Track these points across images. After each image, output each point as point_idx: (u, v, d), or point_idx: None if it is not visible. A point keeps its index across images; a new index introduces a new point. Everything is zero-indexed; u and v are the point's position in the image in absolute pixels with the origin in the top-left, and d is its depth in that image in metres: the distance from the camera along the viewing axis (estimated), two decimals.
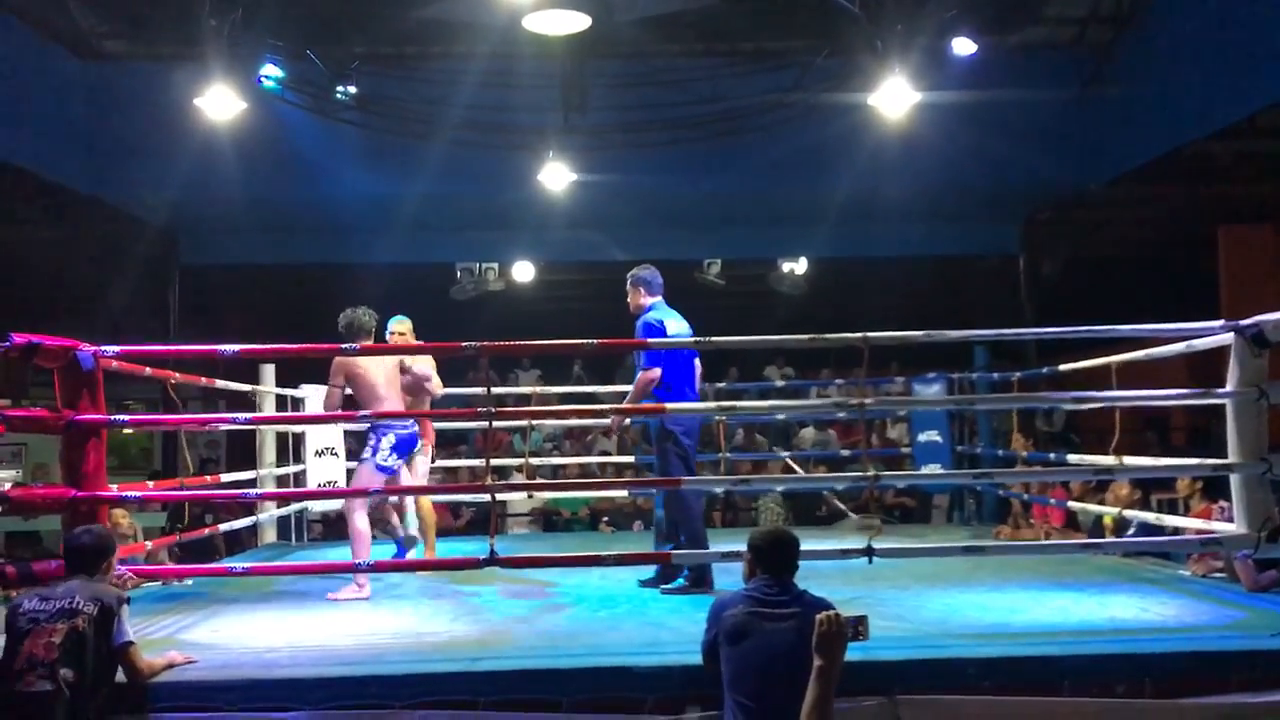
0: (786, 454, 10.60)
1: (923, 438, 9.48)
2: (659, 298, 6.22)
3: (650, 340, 5.93)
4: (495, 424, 6.26)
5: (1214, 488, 6.05)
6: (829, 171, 10.84)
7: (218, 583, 6.22)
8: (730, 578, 4.70)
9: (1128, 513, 6.62)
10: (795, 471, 10.18)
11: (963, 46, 9.85)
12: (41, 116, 10.23)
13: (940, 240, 13.14)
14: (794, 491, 10.24)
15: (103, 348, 5.02)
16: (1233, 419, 5.10)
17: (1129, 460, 6.18)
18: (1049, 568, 6.31)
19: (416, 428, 6.49)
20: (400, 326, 6.91)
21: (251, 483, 7.95)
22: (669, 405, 5.80)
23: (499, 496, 5.95)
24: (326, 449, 8.17)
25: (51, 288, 13.97)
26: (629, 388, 6.14)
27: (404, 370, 6.54)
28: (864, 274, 14.45)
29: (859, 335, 5.15)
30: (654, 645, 4.49)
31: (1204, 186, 11.88)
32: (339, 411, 6.36)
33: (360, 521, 6.14)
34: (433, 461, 7.41)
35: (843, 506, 10.01)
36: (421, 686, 3.98)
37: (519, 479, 8.87)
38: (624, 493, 9.87)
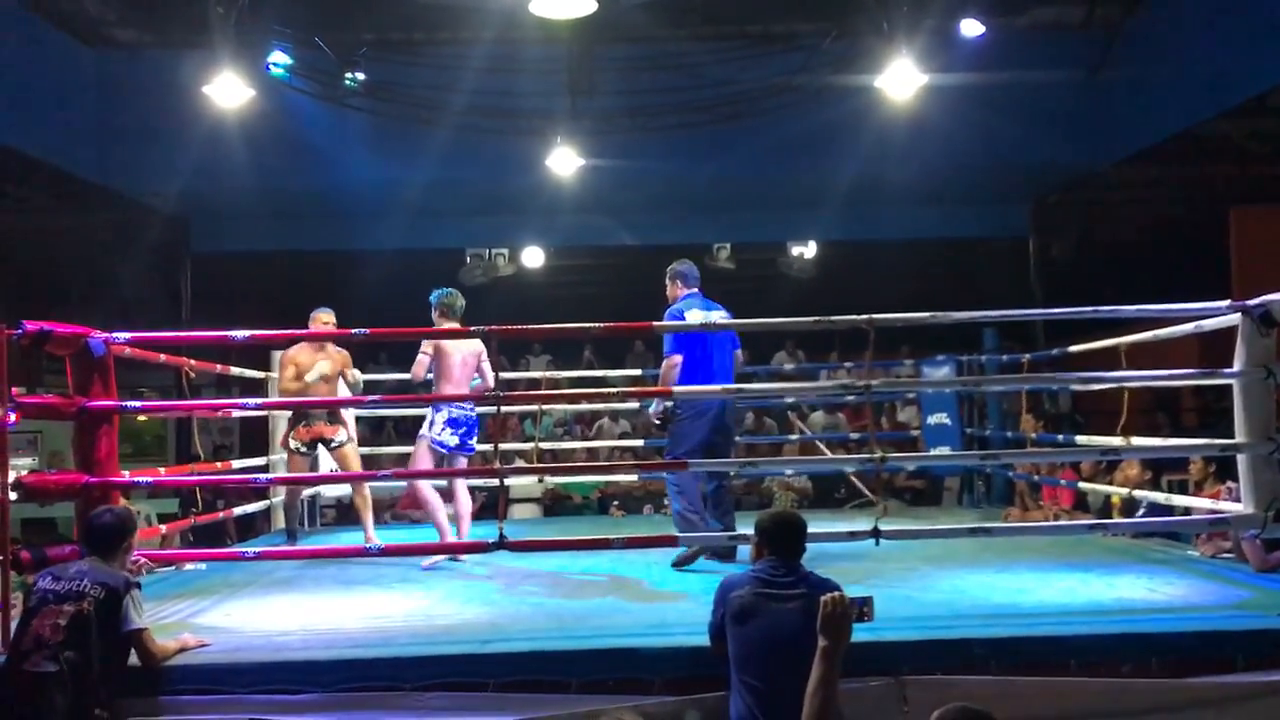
0: (817, 436, 10.57)
1: (932, 420, 9.48)
2: (695, 289, 6.51)
3: (657, 325, 6.06)
4: (505, 408, 6.31)
5: (1228, 471, 6.05)
6: (837, 154, 10.81)
7: (230, 567, 6.28)
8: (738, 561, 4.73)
9: (1137, 493, 6.62)
10: (823, 453, 10.18)
11: (971, 28, 9.80)
12: (52, 104, 10.28)
13: (949, 223, 13.10)
14: (806, 473, 10.25)
15: (114, 334, 5.05)
16: (1240, 399, 5.09)
17: (1136, 441, 6.18)
18: (1057, 549, 6.32)
19: (473, 409, 6.67)
20: (327, 316, 7.10)
21: (264, 468, 8.01)
22: (675, 389, 5.89)
23: (508, 481, 6.00)
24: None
25: (63, 276, 14.02)
26: (638, 371, 6.24)
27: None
28: (873, 257, 14.40)
29: (864, 318, 5.15)
30: (661, 627, 4.53)
31: (1214, 167, 11.82)
32: (346, 397, 6.44)
33: (429, 494, 6.52)
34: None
35: (867, 491, 9.98)
36: (431, 668, 4.02)
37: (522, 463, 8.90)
38: (633, 477, 9.89)
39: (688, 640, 4.11)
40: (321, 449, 7.21)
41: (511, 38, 10.31)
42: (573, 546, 5.97)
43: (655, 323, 6.01)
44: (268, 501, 8.34)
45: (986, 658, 4.05)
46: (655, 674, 4.02)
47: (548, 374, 10.53)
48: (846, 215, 12.49)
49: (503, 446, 6.51)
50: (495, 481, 5.69)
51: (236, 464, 8.03)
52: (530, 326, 5.68)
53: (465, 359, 6.55)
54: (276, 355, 8.34)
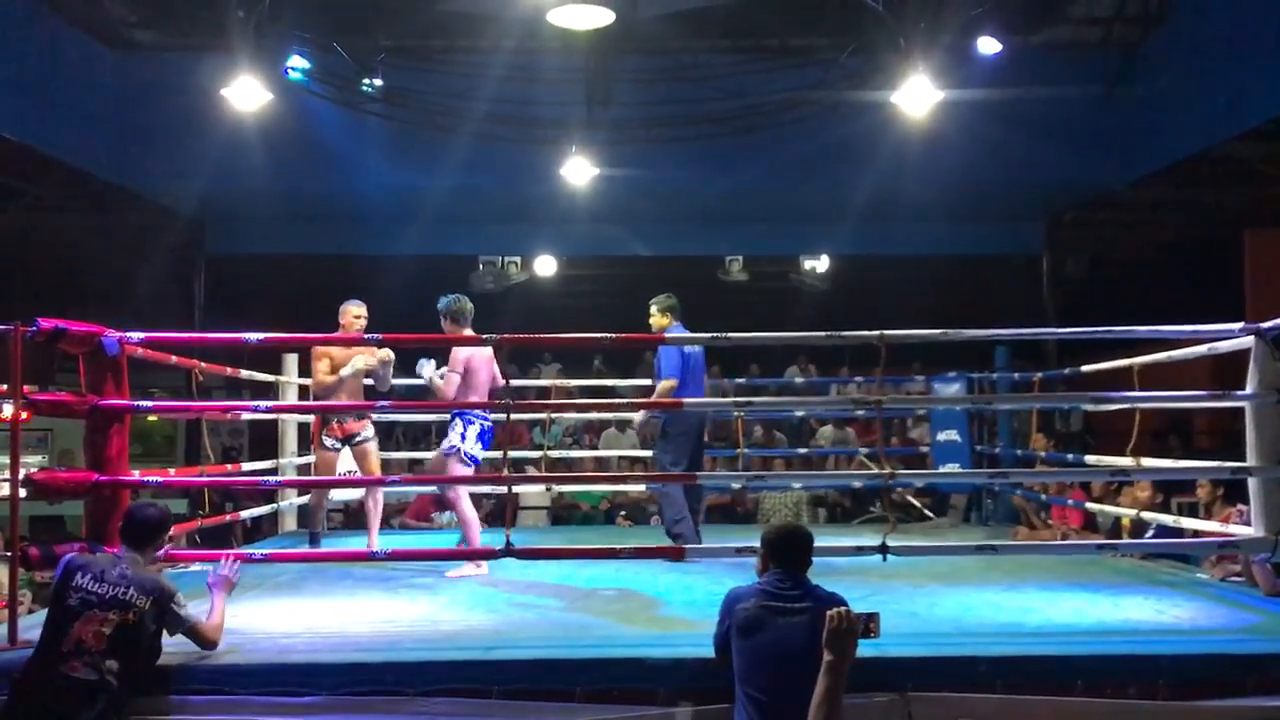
0: (861, 451, 10.56)
1: (941, 437, 9.46)
2: (680, 321, 7.02)
3: (669, 336, 6.18)
4: (514, 416, 6.33)
5: (1238, 495, 6.02)
6: (852, 169, 10.81)
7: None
8: (745, 573, 4.71)
9: (1146, 515, 6.59)
10: (870, 468, 10.16)
11: (987, 45, 9.80)
12: (71, 105, 10.33)
13: (963, 239, 13.09)
14: (814, 487, 10.26)
15: (127, 334, 5.08)
16: (1252, 422, 5.07)
17: (1146, 462, 6.16)
18: (1065, 568, 6.29)
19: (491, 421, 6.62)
20: (358, 310, 6.99)
21: (272, 471, 8.03)
22: (686, 400, 6.01)
23: (516, 489, 6.01)
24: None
25: (79, 275, 14.11)
26: (649, 382, 6.32)
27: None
28: (886, 272, 14.41)
29: (876, 333, 5.15)
30: (667, 638, 4.53)
31: (1229, 189, 11.79)
32: (327, 402, 6.48)
33: (467, 508, 6.38)
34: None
35: (918, 504, 9.94)
36: (436, 674, 4.02)
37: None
38: (641, 487, 9.89)
39: (693, 651, 4.09)
40: (343, 449, 7.13)
41: (529, 47, 10.35)
42: (579, 555, 5.97)
43: (668, 335, 6.08)
44: (275, 505, 8.35)
45: (992, 676, 4.03)
46: (660, 684, 4.02)
47: (557, 382, 10.53)
48: (860, 230, 12.49)
49: (512, 455, 6.53)
50: (504, 489, 5.69)
51: (246, 467, 8.05)
52: (543, 335, 5.69)
53: (487, 367, 6.51)
54: (289, 358, 8.38)
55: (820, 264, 13.83)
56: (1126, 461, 6.23)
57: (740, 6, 10.59)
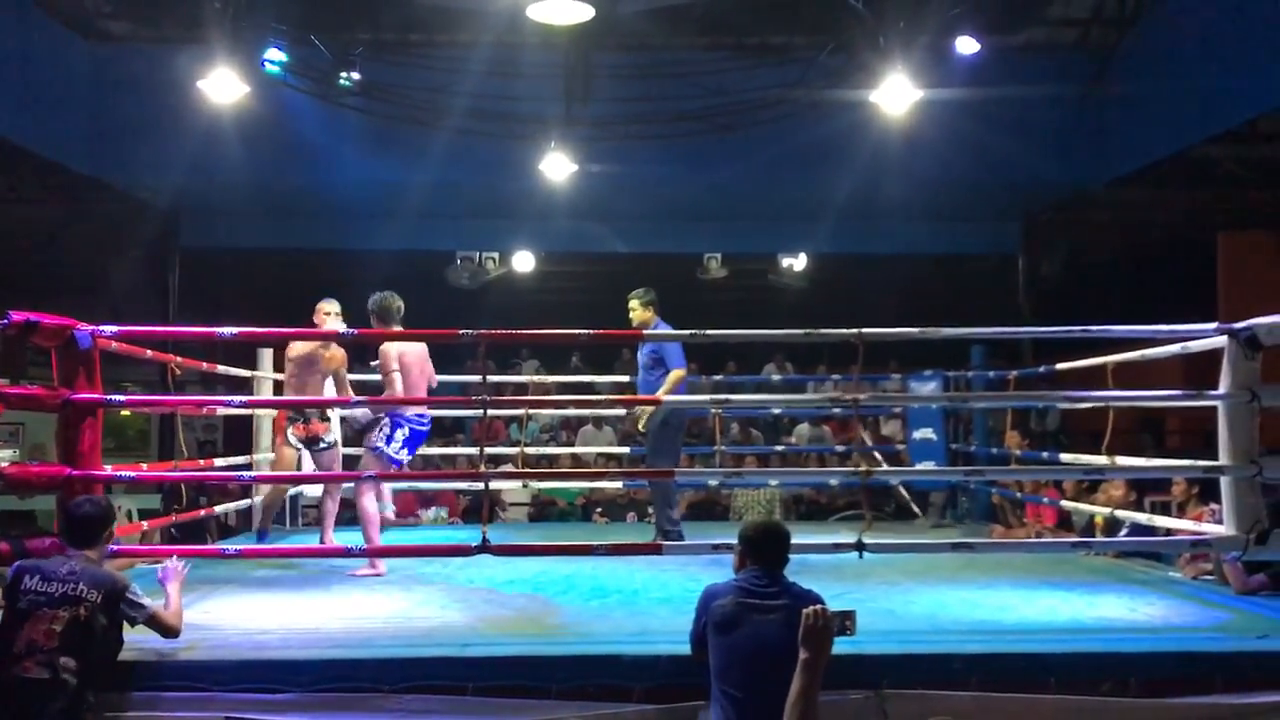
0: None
1: (917, 435, 9.49)
2: (659, 317, 7.20)
3: (648, 333, 6.25)
4: (492, 413, 6.31)
5: (1211, 493, 6.07)
6: (831, 167, 10.83)
7: (210, 565, 6.24)
8: (722, 570, 4.71)
9: (1120, 513, 6.64)
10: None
11: (966, 45, 9.84)
12: (45, 96, 10.22)
13: (940, 238, 13.15)
14: (790, 485, 10.28)
15: (100, 327, 5.03)
16: (1224, 421, 5.11)
17: (1120, 461, 6.20)
18: (1040, 567, 6.33)
19: (429, 423, 6.57)
20: (331, 307, 6.89)
21: (247, 466, 7.97)
22: (666, 398, 6.00)
23: (493, 485, 5.99)
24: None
25: (52, 268, 13.97)
26: (625, 379, 6.33)
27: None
28: (864, 270, 14.47)
29: (853, 331, 5.17)
30: (643, 634, 4.52)
31: (1204, 191, 11.88)
32: (318, 396, 6.44)
33: (370, 504, 6.28)
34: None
35: (912, 504, 9.95)
36: (411, 671, 4.01)
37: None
38: (618, 484, 9.89)
39: (669, 648, 4.09)
40: (305, 450, 7.07)
41: (508, 42, 10.32)
42: (556, 552, 5.96)
43: (654, 329, 6.13)
44: (250, 500, 8.29)
45: (967, 673, 4.05)
46: (636, 681, 4.02)
47: (535, 379, 10.51)
48: (838, 228, 12.52)
49: (489, 451, 6.52)
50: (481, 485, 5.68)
51: (220, 462, 7.98)
52: (520, 331, 5.68)
53: (420, 364, 6.44)
54: (265, 353, 8.32)
55: (798, 262, 13.85)
56: (1101, 460, 6.27)
57: (720, 4, 10.59)
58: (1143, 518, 6.42)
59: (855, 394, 5.57)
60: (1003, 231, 12.94)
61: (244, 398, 7.86)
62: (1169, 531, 6.08)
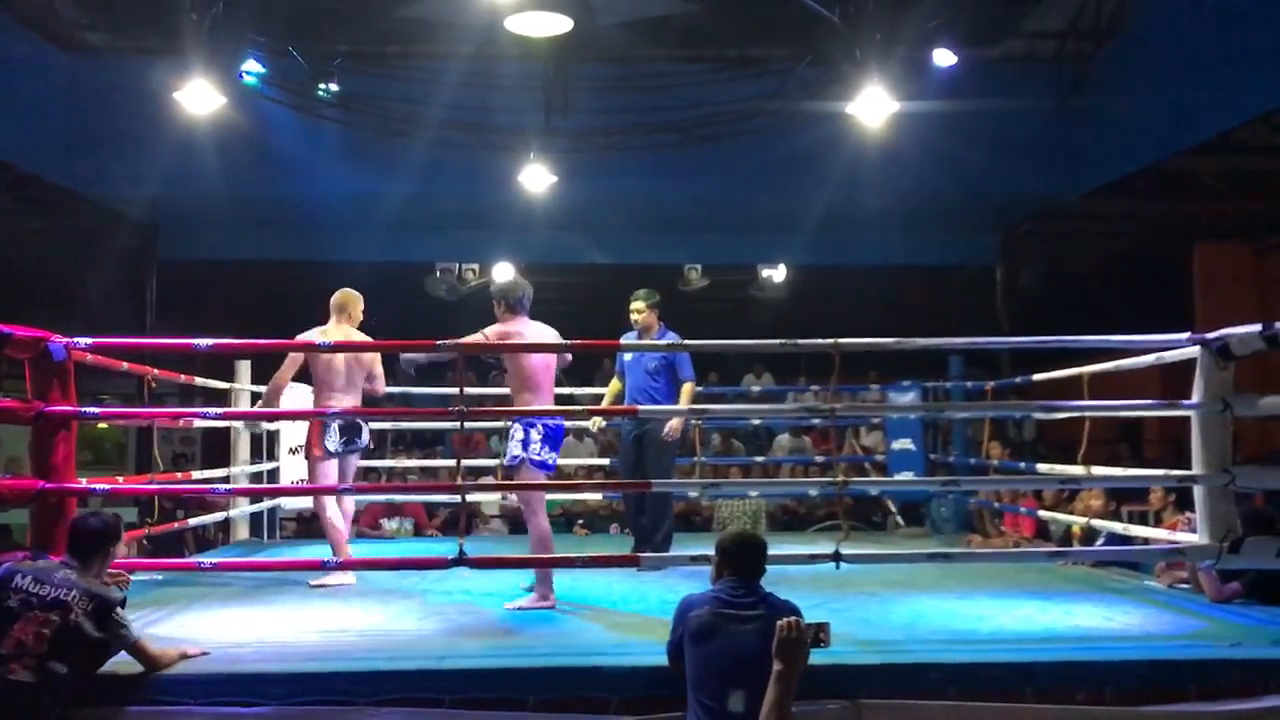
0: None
1: (896, 445, 9.53)
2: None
3: (689, 343, 6.52)
4: (472, 425, 6.28)
5: (1187, 502, 6.11)
6: (809, 179, 10.87)
7: (186, 578, 6.21)
8: (700, 581, 4.72)
9: (1097, 523, 6.67)
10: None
11: (943, 57, 9.89)
12: (21, 107, 10.15)
13: (919, 250, 13.23)
14: (770, 496, 10.28)
15: (75, 339, 5.00)
16: (1198, 431, 5.14)
17: (1097, 471, 6.23)
18: (1017, 576, 6.35)
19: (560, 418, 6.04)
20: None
21: (224, 479, 7.93)
22: (641, 408, 5.98)
23: (471, 497, 5.97)
24: (300, 446, 8.13)
25: (29, 280, 13.87)
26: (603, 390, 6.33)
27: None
28: (843, 282, 14.51)
29: (830, 341, 5.18)
30: (620, 646, 4.51)
31: (1180, 202, 11.97)
32: (312, 408, 6.37)
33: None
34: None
35: (895, 513, 9.97)
36: (387, 684, 3.98)
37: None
38: (598, 495, 9.88)
39: (646, 660, 4.09)
40: (341, 455, 6.81)
41: (487, 54, 10.33)
42: (533, 564, 5.93)
43: (661, 340, 6.19)
44: (227, 513, 8.25)
45: (943, 682, 4.06)
46: (613, 693, 4.00)
47: None
48: (817, 240, 12.58)
49: (469, 463, 6.49)
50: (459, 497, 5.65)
51: (197, 474, 7.94)
52: (500, 343, 5.67)
53: (545, 359, 5.83)
54: (243, 365, 8.26)
55: (778, 273, 13.89)
56: (1078, 470, 6.30)
57: (698, 16, 10.64)
58: (1119, 527, 6.46)
59: (832, 404, 5.58)
60: (981, 243, 13.01)
61: (219, 410, 7.83)
62: (1145, 541, 6.12)
